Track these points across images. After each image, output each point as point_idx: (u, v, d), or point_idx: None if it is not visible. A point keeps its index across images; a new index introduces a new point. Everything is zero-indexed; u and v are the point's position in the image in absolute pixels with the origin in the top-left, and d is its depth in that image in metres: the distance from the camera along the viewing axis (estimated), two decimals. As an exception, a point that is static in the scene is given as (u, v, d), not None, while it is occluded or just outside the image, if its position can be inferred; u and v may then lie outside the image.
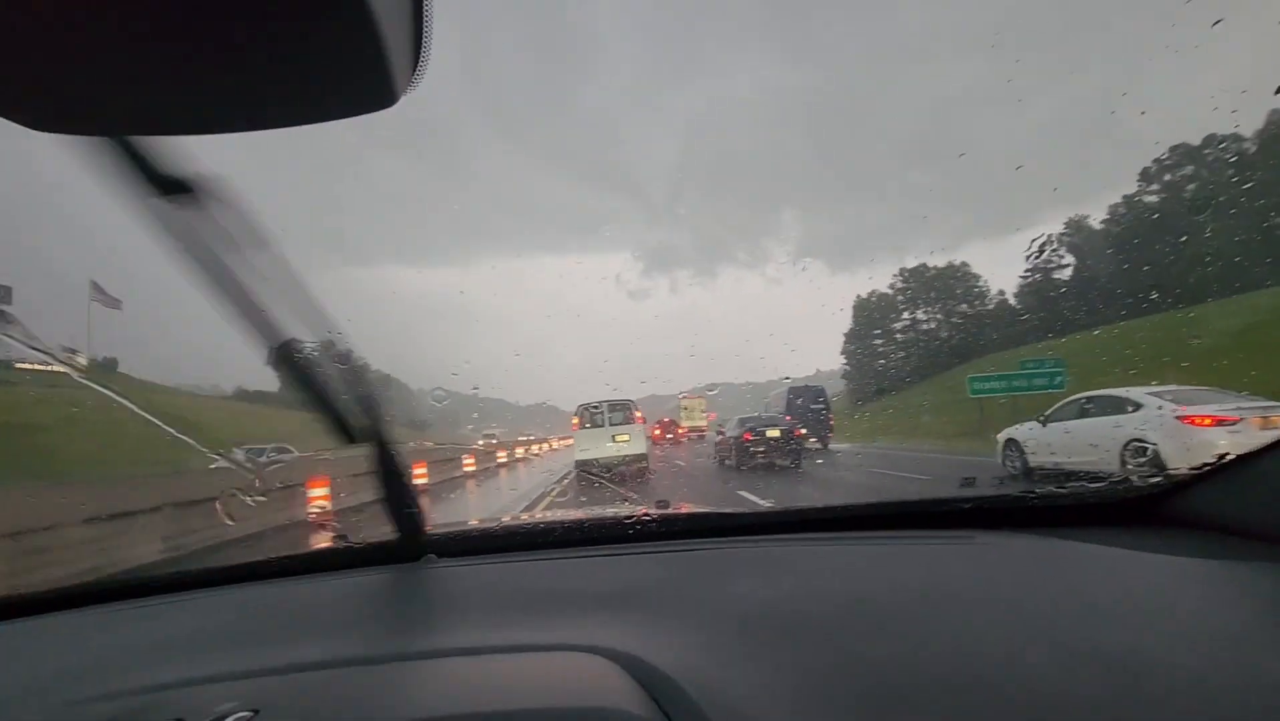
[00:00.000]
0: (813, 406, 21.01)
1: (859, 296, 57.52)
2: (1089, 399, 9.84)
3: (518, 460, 22.76)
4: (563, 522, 1.23)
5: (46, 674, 0.70)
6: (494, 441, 22.40)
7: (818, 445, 20.22)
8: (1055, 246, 48.75)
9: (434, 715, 0.46)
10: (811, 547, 1.02)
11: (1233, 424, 7.52)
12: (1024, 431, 10.67)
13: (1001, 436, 11.15)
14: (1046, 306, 41.97)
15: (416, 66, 0.42)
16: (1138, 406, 8.81)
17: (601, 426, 15.20)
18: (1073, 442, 9.32)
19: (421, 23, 0.41)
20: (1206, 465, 0.95)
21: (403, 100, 0.44)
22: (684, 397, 39.60)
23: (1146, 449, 8.15)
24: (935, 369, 41.51)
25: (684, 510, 1.35)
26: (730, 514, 1.21)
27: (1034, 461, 10.04)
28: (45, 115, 0.41)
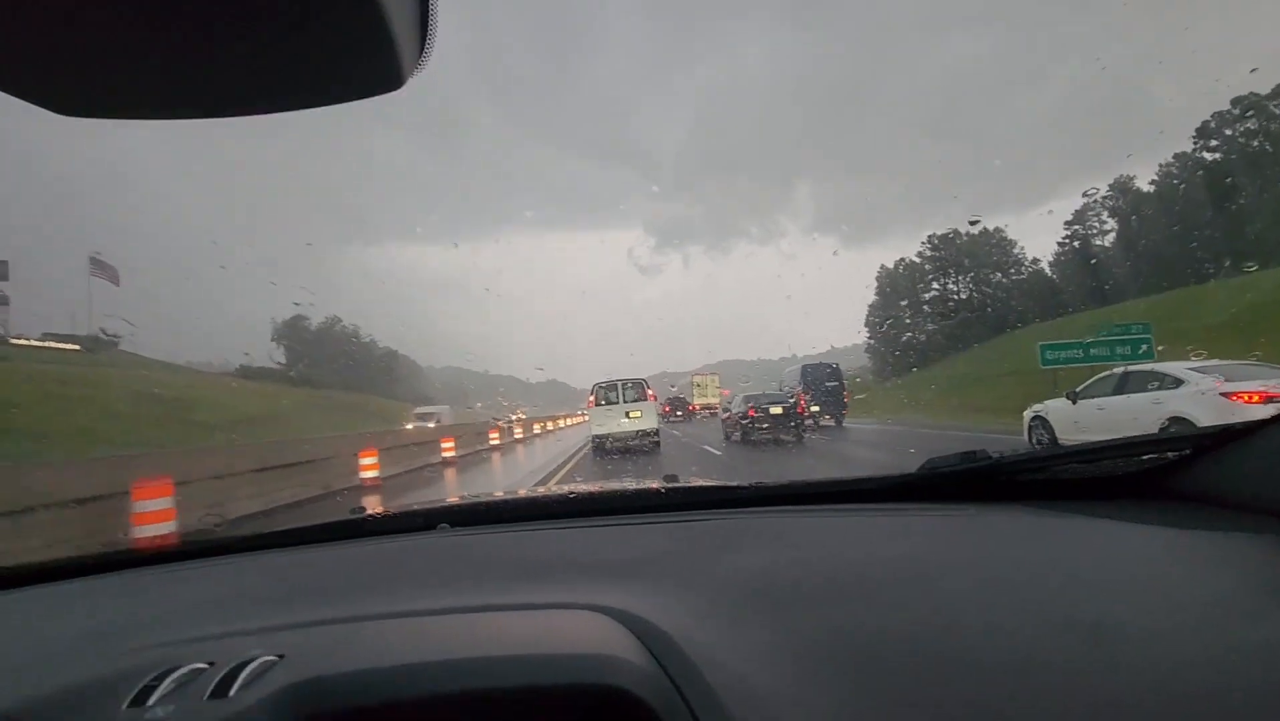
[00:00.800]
0: (827, 384, 21.33)
1: (883, 267, 56.34)
2: (1125, 374, 9.22)
3: (517, 441, 21.21)
4: (568, 495, 1.28)
5: (86, 630, 0.76)
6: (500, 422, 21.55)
7: (831, 422, 20.60)
8: (1097, 210, 46.83)
9: (449, 657, 0.50)
10: (809, 519, 1.05)
11: None
12: (1054, 408, 10.09)
13: (1028, 413, 10.59)
14: (1087, 275, 40.37)
15: (424, 49, 0.44)
16: (1179, 382, 8.19)
17: (616, 404, 16.01)
18: (1107, 420, 8.75)
19: (428, 5, 0.43)
20: (1206, 440, 0.96)
21: (412, 81, 0.46)
22: (697, 375, 39.66)
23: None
24: (970, 340, 40.33)
25: (689, 484, 1.38)
26: (732, 487, 1.27)
27: (1063, 439, 9.48)
28: (66, 100, 0.44)
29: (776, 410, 15.19)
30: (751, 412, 15.31)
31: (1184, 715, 0.45)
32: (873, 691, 0.50)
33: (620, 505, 1.24)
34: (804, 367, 22.71)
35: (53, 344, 38.64)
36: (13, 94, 0.42)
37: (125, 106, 0.47)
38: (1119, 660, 0.52)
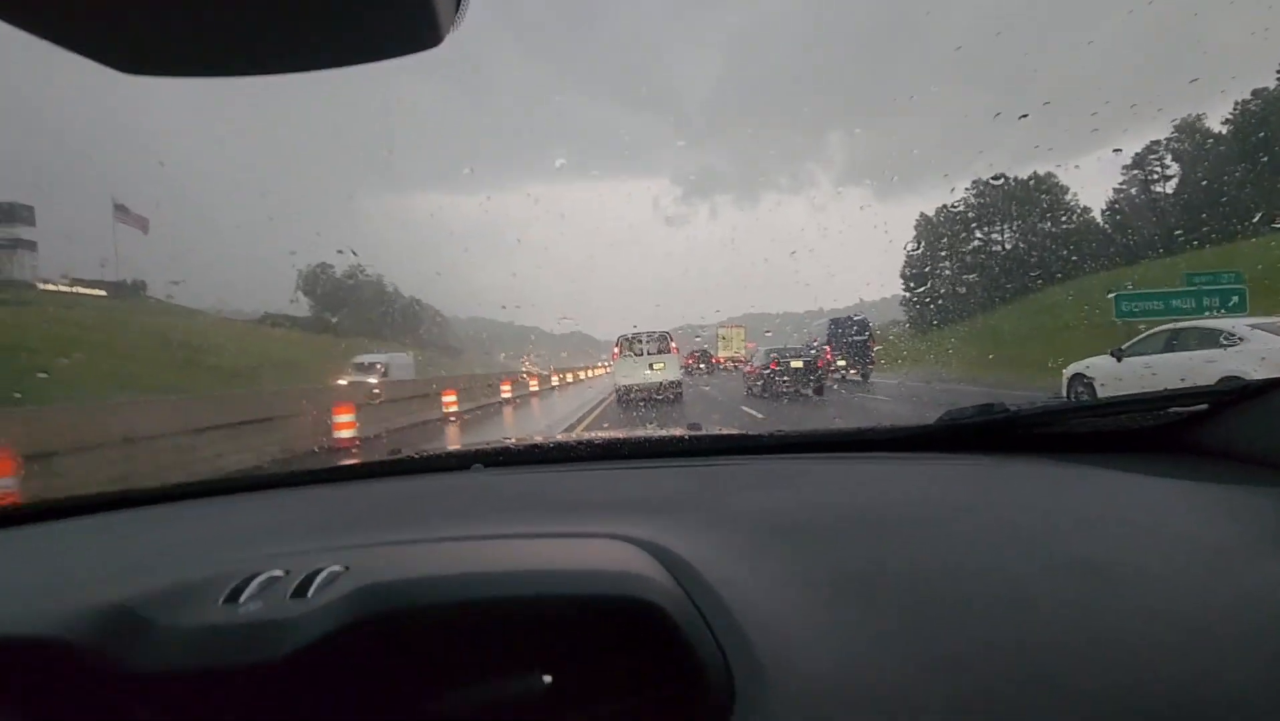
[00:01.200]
0: (855, 338, 21.34)
1: (923, 215, 53.91)
2: (1176, 331, 8.49)
3: (531, 394, 20.55)
4: (595, 440, 1.37)
5: (166, 547, 0.85)
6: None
7: (858, 377, 20.71)
8: (1160, 153, 43.74)
9: (493, 570, 0.55)
10: (827, 465, 1.09)
11: None
12: (1097, 365, 9.42)
13: (1068, 371, 9.93)
14: (1147, 222, 38.00)
15: (461, 4, 0.45)
16: (1238, 340, 7.46)
17: (640, 356, 16.72)
18: (1154, 380, 8.10)
19: None
20: (1225, 396, 0.96)
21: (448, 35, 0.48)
22: (723, 327, 39.09)
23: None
24: (1016, 292, 38.58)
25: (712, 432, 1.48)
26: (754, 435, 1.35)
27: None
28: (119, 57, 0.45)
29: (797, 364, 15.64)
30: (774, 365, 15.71)
31: (1179, 646, 0.48)
32: (879, 619, 0.53)
33: (646, 450, 1.30)
34: (831, 321, 22.61)
35: (80, 289, 39.65)
36: (68, 48, 0.43)
37: (173, 64, 0.47)
38: (1123, 598, 0.54)
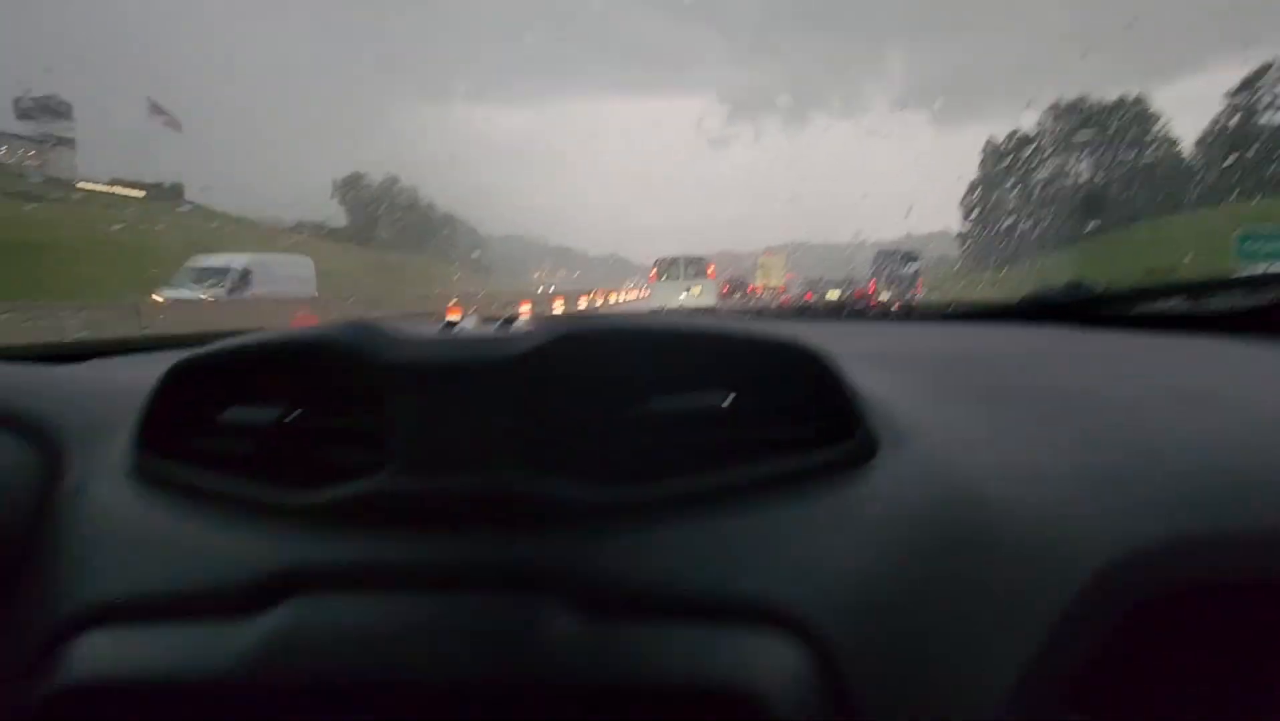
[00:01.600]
0: (902, 271, 21.38)
1: (990, 140, 50.19)
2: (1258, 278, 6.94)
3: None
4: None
5: None
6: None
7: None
8: (1270, 83, 39.21)
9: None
10: (925, 328, 1.14)
11: None
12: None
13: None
14: (1254, 155, 34.42)
15: None
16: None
17: (677, 279, 16.73)
18: None
19: None
20: None
21: None
22: (762, 255, 37.67)
23: None
24: (1089, 229, 35.82)
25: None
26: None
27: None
28: None
29: (833, 294, 16.24)
30: (809, 296, 16.48)
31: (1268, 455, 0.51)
32: (1005, 414, 0.59)
33: (784, 314, 1.53)
34: (879, 253, 22.86)
35: (119, 189, 39.29)
36: None
37: None
38: (1219, 411, 0.57)
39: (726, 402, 0.50)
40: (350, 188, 62.57)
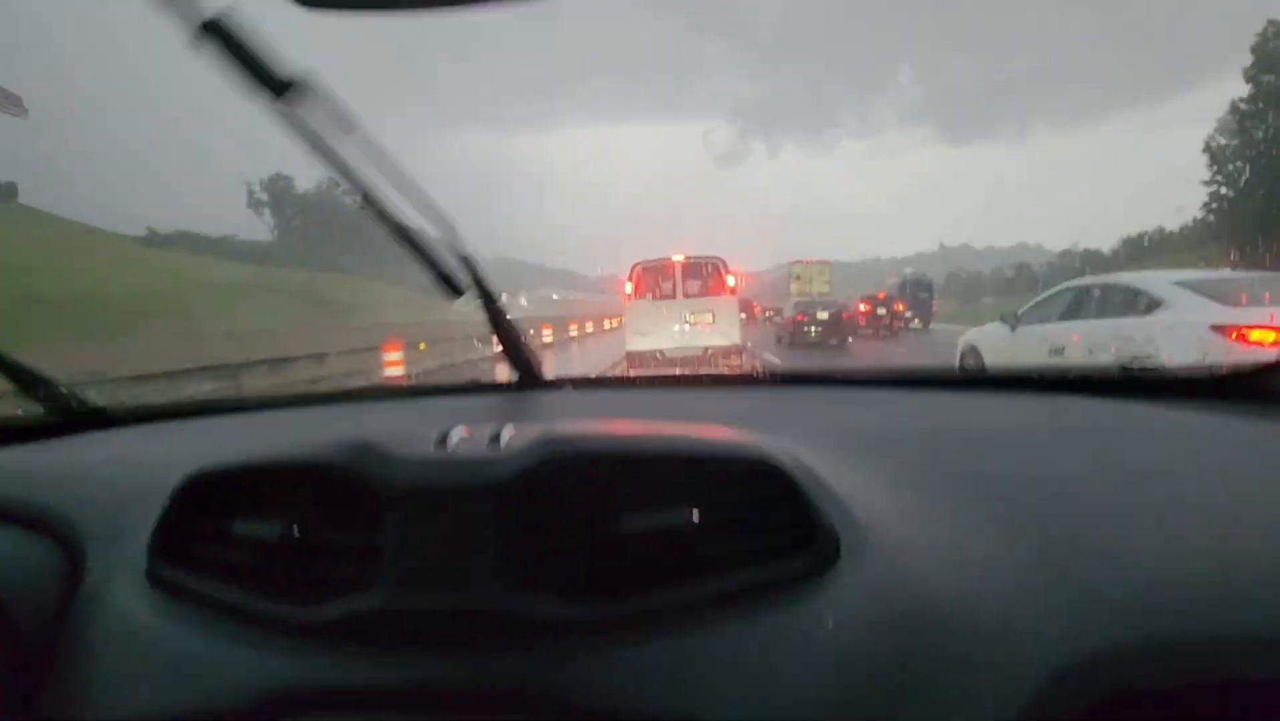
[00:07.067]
0: (920, 295, 27.54)
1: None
2: (1081, 291, 6.37)
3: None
4: (672, 374, 1.52)
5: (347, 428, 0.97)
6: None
7: (920, 325, 26.14)
8: None
9: (644, 431, 0.65)
10: (895, 394, 1.14)
11: None
12: (988, 334, 7.37)
13: (963, 341, 7.83)
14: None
15: None
16: (1157, 304, 5.34)
17: (671, 298, 9.98)
18: (1051, 358, 6.08)
19: None
20: None
21: None
22: (797, 264, 35.45)
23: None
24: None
25: (780, 369, 2.23)
26: (818, 370, 1.62)
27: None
28: None
29: (823, 316, 16.83)
30: (800, 318, 16.86)
31: (1215, 543, 0.54)
32: (961, 503, 0.60)
33: (721, 381, 1.39)
34: (902, 280, 28.19)
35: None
36: None
37: None
38: (1177, 498, 0.60)
39: (694, 519, 0.53)
40: (273, 193, 57.27)
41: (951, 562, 0.52)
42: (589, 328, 26.45)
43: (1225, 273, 6.11)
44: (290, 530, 0.56)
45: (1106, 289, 6.07)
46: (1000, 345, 6.91)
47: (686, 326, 9.79)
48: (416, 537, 0.51)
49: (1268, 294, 4.99)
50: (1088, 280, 6.70)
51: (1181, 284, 5.34)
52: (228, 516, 0.59)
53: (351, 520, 0.55)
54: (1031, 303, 6.90)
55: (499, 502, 0.51)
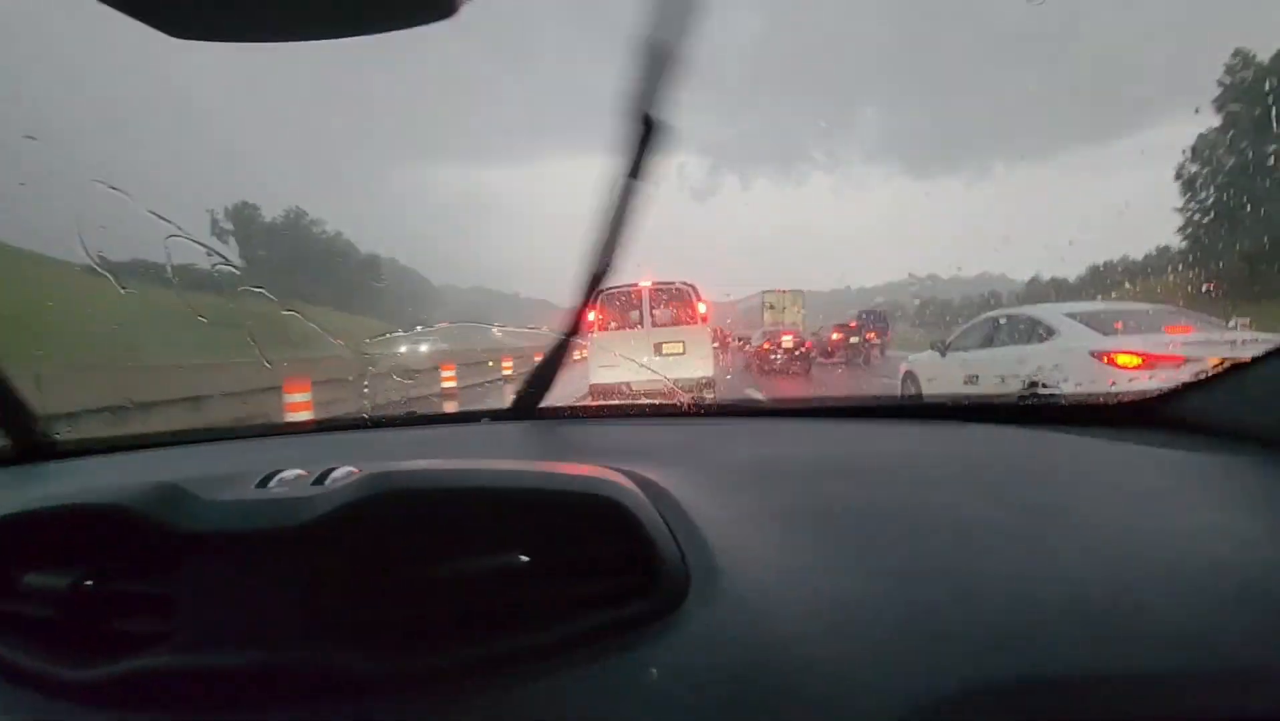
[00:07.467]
0: (877, 325, 28.33)
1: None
2: (997, 321, 7.21)
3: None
4: (605, 404, 1.57)
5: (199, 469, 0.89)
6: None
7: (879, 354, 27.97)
8: None
9: (484, 468, 0.61)
10: (815, 425, 1.16)
11: (1175, 365, 5.04)
12: (922, 361, 8.15)
13: (903, 366, 8.62)
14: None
15: None
16: (1051, 332, 6.17)
17: (639, 326, 9.74)
18: (974, 381, 6.86)
19: None
20: (1204, 372, 1.01)
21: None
22: (769, 293, 34.30)
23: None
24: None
25: (709, 400, 1.69)
26: (754, 402, 1.76)
27: (928, 397, 7.53)
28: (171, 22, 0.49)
29: (788, 343, 17.70)
30: (766, 346, 17.75)
31: (1103, 572, 0.53)
32: (832, 542, 0.59)
33: (653, 412, 1.39)
34: (860, 311, 28.91)
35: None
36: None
37: (191, 27, 0.50)
38: (1062, 533, 0.59)
39: (523, 561, 0.52)
40: (238, 222, 57.26)
41: (809, 602, 0.50)
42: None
43: (1107, 304, 6.98)
44: (83, 581, 0.52)
45: (1014, 319, 6.91)
46: (932, 370, 7.71)
47: (656, 357, 9.21)
48: (214, 587, 0.47)
49: (1134, 323, 5.86)
50: (1001, 311, 7.54)
51: (1070, 315, 6.19)
52: (21, 567, 0.55)
53: (152, 569, 0.52)
54: (958, 331, 7.73)
55: (309, 546, 0.48)
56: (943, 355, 7.52)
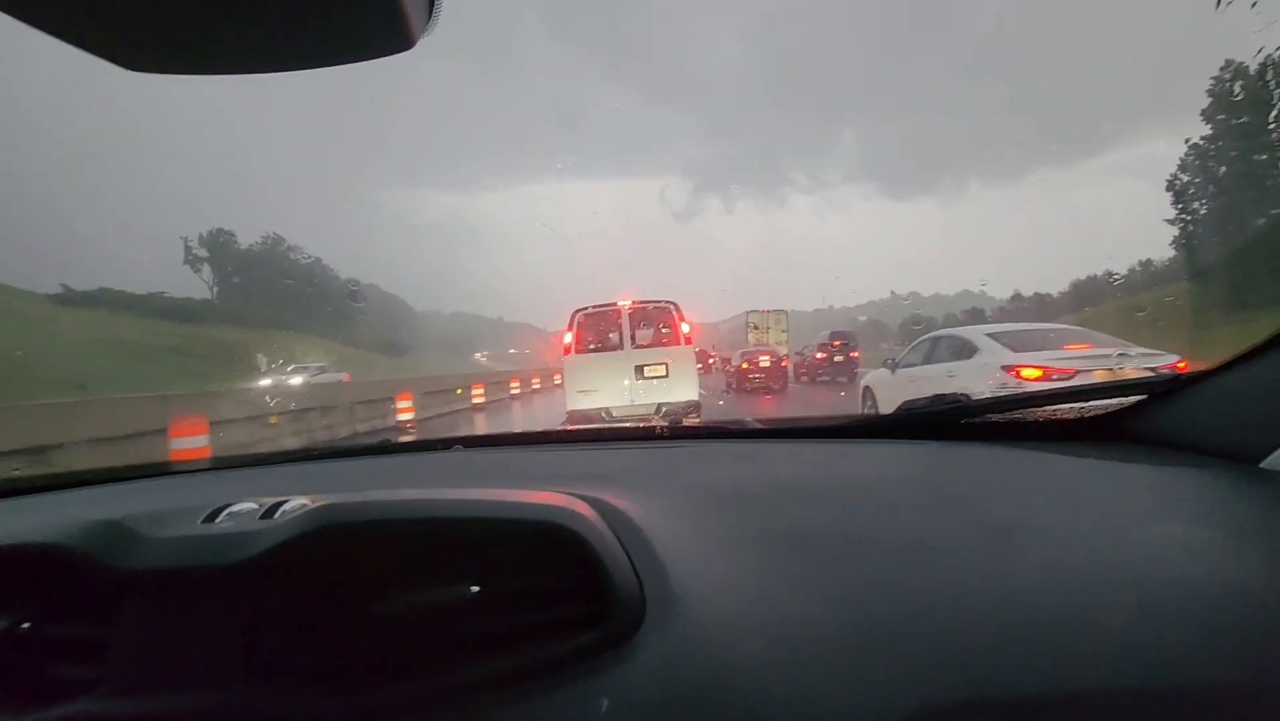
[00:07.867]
0: (845, 343, 29.15)
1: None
2: (935, 340, 8.33)
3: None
4: (574, 429, 1.58)
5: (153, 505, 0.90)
6: None
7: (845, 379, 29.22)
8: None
9: (438, 497, 0.61)
10: (784, 447, 1.15)
11: (1068, 376, 6.15)
12: (877, 377, 9.25)
13: (863, 382, 9.73)
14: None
15: (435, 5, 0.45)
16: (975, 350, 7.31)
17: (619, 349, 9.01)
18: (915, 392, 7.88)
19: None
20: (1159, 386, 1.04)
21: (424, 38, 0.47)
22: (754, 313, 33.90)
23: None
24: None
25: (677, 423, 1.58)
26: (718, 424, 1.59)
27: (883, 410, 8.58)
28: (126, 55, 0.47)
29: (765, 363, 18.85)
30: (744, 367, 18.72)
31: (1060, 587, 0.54)
32: (792, 566, 0.59)
33: (621, 436, 1.39)
34: (830, 332, 29.00)
35: None
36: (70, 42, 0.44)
37: (147, 60, 0.48)
38: (1021, 552, 0.60)
39: (473, 592, 0.51)
40: (213, 249, 55.11)
41: (767, 628, 0.50)
42: (535, 383, 24.75)
43: (1020, 325, 8.10)
44: (19, 625, 0.50)
45: (949, 338, 8.03)
46: (884, 386, 8.79)
47: (638, 381, 8.74)
48: (153, 628, 0.46)
49: (1040, 341, 6.99)
50: (939, 332, 8.62)
51: (990, 334, 7.32)
52: None
53: (91, 610, 0.50)
54: (906, 350, 8.83)
55: (253, 582, 0.47)
56: (893, 372, 8.61)
